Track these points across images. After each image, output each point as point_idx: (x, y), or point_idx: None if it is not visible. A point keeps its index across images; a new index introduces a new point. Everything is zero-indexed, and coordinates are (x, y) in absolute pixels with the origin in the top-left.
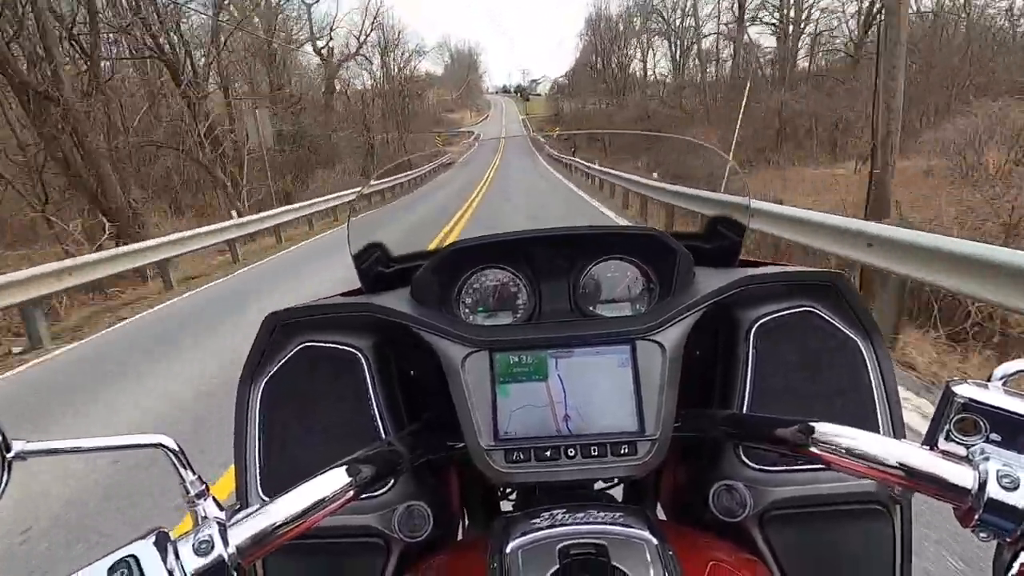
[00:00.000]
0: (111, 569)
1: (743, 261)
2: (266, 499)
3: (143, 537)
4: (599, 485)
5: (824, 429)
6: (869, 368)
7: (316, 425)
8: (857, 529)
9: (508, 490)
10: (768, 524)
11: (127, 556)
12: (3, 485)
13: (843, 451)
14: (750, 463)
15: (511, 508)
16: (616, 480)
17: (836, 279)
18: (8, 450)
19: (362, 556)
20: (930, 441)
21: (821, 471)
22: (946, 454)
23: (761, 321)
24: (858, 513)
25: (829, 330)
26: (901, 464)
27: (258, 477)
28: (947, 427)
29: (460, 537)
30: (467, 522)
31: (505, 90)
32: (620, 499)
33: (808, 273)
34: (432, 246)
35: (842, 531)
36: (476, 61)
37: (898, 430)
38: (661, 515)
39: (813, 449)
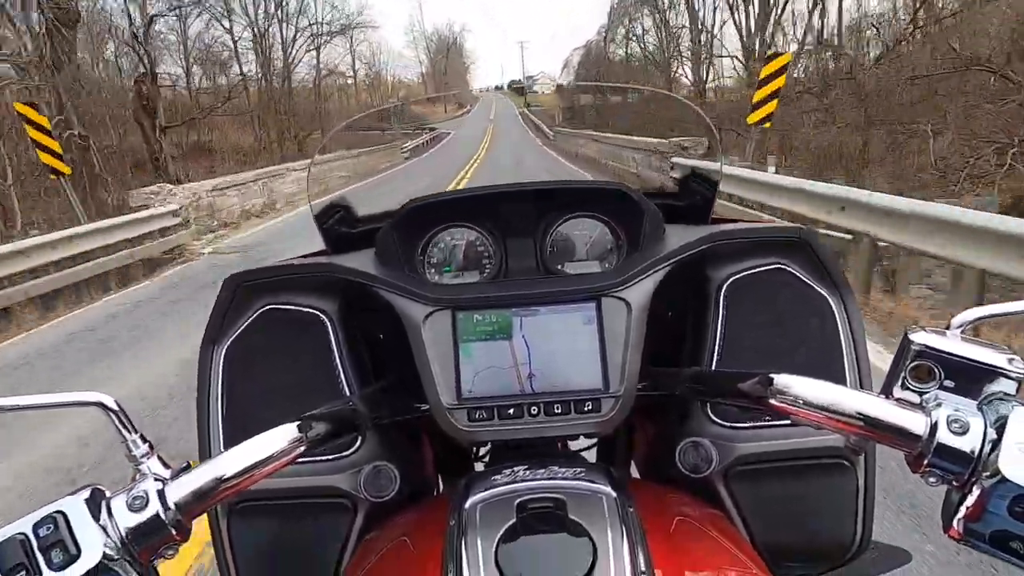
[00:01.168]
0: (36, 525)
1: (715, 219)
2: None
3: (74, 493)
4: (574, 445)
5: (782, 380)
6: (839, 322)
7: (280, 387)
8: (820, 483)
9: (481, 452)
10: (733, 479)
11: (55, 512)
12: None
13: (801, 402)
14: (717, 420)
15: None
16: (584, 438)
17: (805, 234)
18: None
19: (328, 516)
20: (887, 389)
21: (786, 427)
22: (900, 401)
23: (732, 279)
24: (822, 467)
25: (799, 286)
26: (857, 412)
27: (221, 439)
28: (903, 374)
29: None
30: (442, 485)
31: (498, 88)
32: (594, 459)
33: (778, 229)
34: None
35: (806, 485)
36: (459, 44)
37: (865, 383)
38: (635, 473)
39: (772, 401)
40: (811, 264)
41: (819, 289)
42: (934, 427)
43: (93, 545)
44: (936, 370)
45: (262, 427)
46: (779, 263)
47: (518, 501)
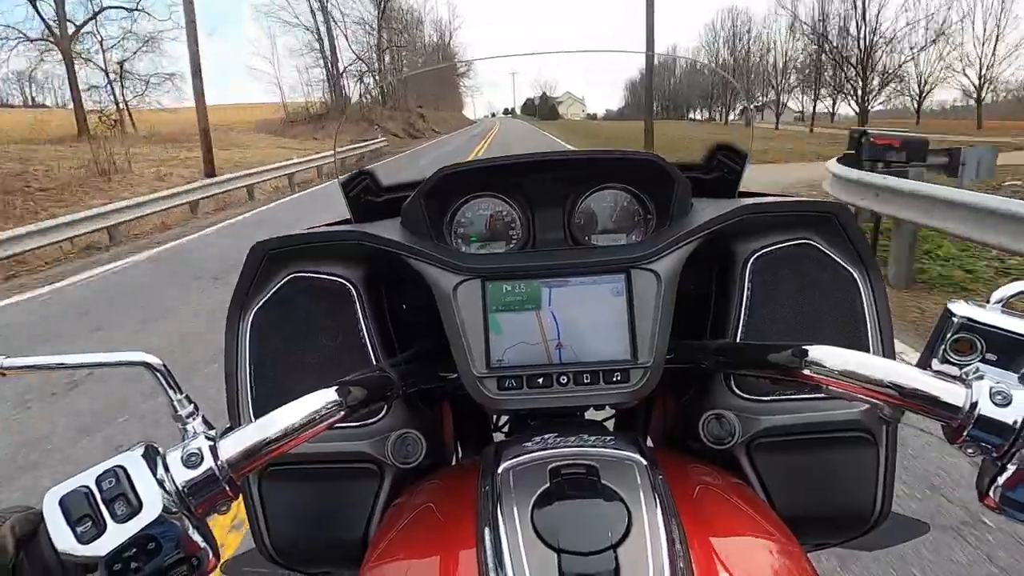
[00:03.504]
0: (99, 478)
1: (743, 192)
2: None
3: (131, 449)
4: (591, 415)
5: (817, 351)
6: (864, 300)
7: (307, 354)
8: (842, 456)
9: (500, 421)
10: (756, 451)
11: (116, 466)
12: None
13: (836, 373)
14: (740, 393)
15: (503, 438)
16: (608, 409)
17: (838, 210)
18: None
19: (356, 481)
20: (924, 362)
21: (809, 400)
22: (939, 374)
23: (759, 253)
24: (844, 440)
25: (826, 262)
26: (893, 384)
27: (249, 402)
28: (943, 348)
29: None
30: (460, 453)
31: (508, 111)
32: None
33: (809, 203)
34: None
35: (828, 457)
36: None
37: (889, 357)
38: (651, 444)
39: (806, 372)
40: (839, 240)
41: (846, 266)
42: (976, 400)
43: (153, 499)
44: (977, 343)
45: (289, 392)
46: (806, 238)
47: (551, 467)
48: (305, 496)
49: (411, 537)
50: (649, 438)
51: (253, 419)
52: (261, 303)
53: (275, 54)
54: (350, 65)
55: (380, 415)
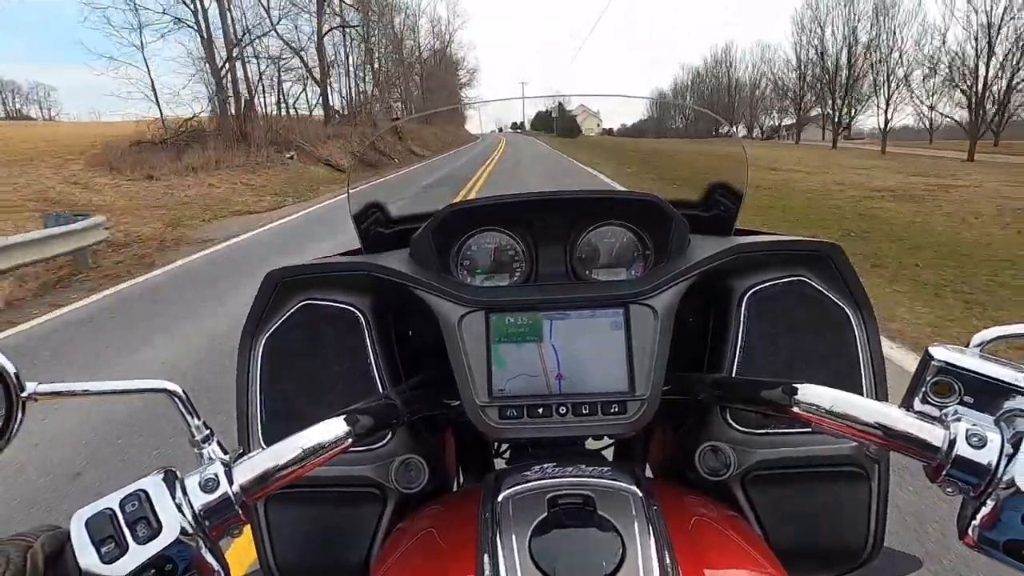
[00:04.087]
0: (123, 501)
1: (739, 230)
2: (265, 447)
3: (152, 473)
4: (591, 445)
5: (806, 390)
6: (857, 337)
7: (316, 379)
8: (835, 489)
9: (502, 448)
10: (751, 483)
11: (138, 490)
12: (17, 423)
13: (824, 411)
14: (736, 426)
15: (505, 465)
16: (606, 439)
17: (829, 250)
18: (23, 390)
19: (360, 505)
20: (907, 403)
21: (804, 435)
22: (920, 415)
23: (754, 289)
24: (837, 475)
25: (820, 299)
26: (878, 423)
27: (260, 427)
28: (924, 389)
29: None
30: (462, 479)
31: (516, 126)
32: (610, 459)
33: (802, 243)
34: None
35: (821, 491)
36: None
37: (881, 396)
38: (649, 474)
39: (795, 409)
40: (832, 278)
41: (839, 303)
42: (953, 440)
43: (172, 522)
44: (956, 386)
45: (298, 416)
46: (801, 276)
47: (549, 496)
48: (309, 519)
49: (412, 562)
50: (648, 468)
51: (263, 442)
52: (273, 329)
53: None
54: (243, 43)
55: (384, 440)
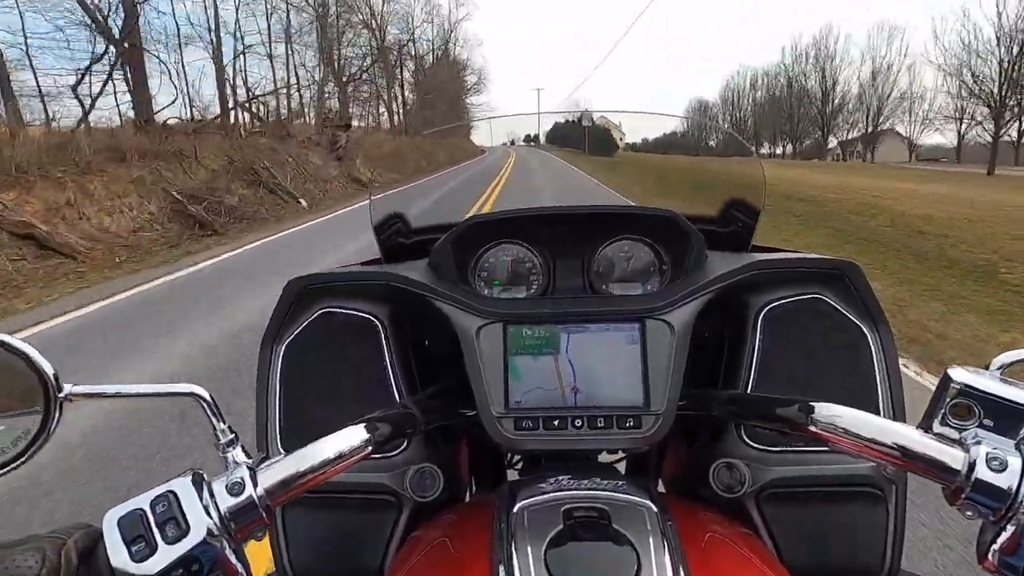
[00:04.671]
0: (153, 502)
1: (755, 246)
2: (283, 453)
3: (181, 475)
4: (604, 458)
5: (824, 408)
6: (874, 356)
7: (334, 386)
8: (852, 509)
9: (515, 459)
10: (765, 501)
11: (167, 491)
12: (55, 423)
13: (841, 430)
14: (751, 443)
15: (517, 476)
16: (620, 453)
17: (847, 267)
18: (60, 391)
19: (375, 512)
20: (926, 424)
21: (819, 453)
22: (940, 437)
23: (770, 306)
24: (853, 495)
25: (837, 318)
26: (896, 444)
27: (278, 433)
28: (943, 411)
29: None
30: (475, 488)
31: (530, 139)
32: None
33: (819, 261)
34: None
35: (837, 511)
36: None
37: (899, 416)
38: (661, 489)
39: (813, 427)
40: (849, 296)
41: (856, 321)
42: (972, 463)
43: (199, 523)
44: (976, 408)
45: (316, 423)
46: (817, 293)
47: (564, 508)
48: (326, 524)
49: (427, 571)
50: (661, 482)
51: (281, 448)
52: (292, 336)
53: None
54: None
55: (400, 449)
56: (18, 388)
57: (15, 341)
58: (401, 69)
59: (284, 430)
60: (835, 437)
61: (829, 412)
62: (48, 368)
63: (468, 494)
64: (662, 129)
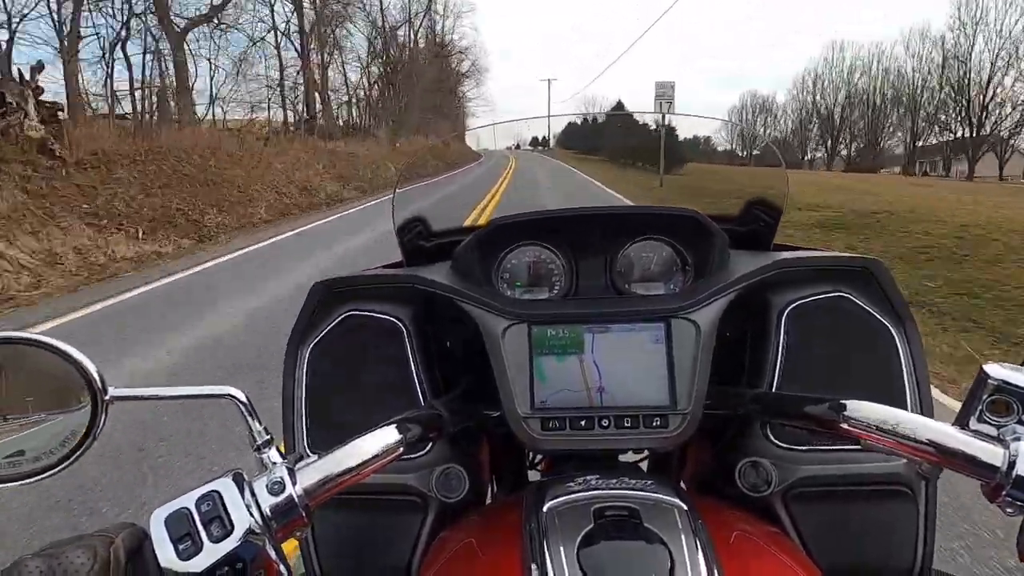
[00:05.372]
0: (198, 501)
1: (777, 245)
2: (310, 454)
3: (223, 475)
4: (626, 458)
5: (856, 406)
6: (900, 353)
7: (359, 388)
8: (881, 509)
9: (536, 459)
10: (793, 500)
11: (211, 491)
12: (101, 424)
13: (874, 429)
14: (777, 441)
15: (539, 476)
16: (645, 453)
17: (871, 265)
18: (105, 393)
19: (402, 513)
20: (962, 421)
21: (848, 451)
22: (977, 433)
23: (794, 305)
24: (883, 493)
25: (861, 315)
26: (931, 441)
27: (304, 434)
28: (980, 408)
29: (489, 502)
30: (496, 488)
31: (539, 142)
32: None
33: (842, 259)
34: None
35: (866, 509)
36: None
37: (927, 414)
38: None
39: (844, 426)
40: (874, 294)
41: (881, 319)
42: (1013, 459)
43: (242, 522)
44: (1014, 405)
45: (343, 426)
46: (841, 291)
47: (594, 508)
48: (353, 525)
49: (457, 572)
50: (682, 482)
51: (308, 449)
52: (318, 339)
53: None
54: None
55: (425, 450)
56: (59, 389)
57: (62, 344)
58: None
59: (311, 432)
60: (868, 435)
61: (861, 410)
62: (94, 370)
63: (489, 495)
64: (691, 134)
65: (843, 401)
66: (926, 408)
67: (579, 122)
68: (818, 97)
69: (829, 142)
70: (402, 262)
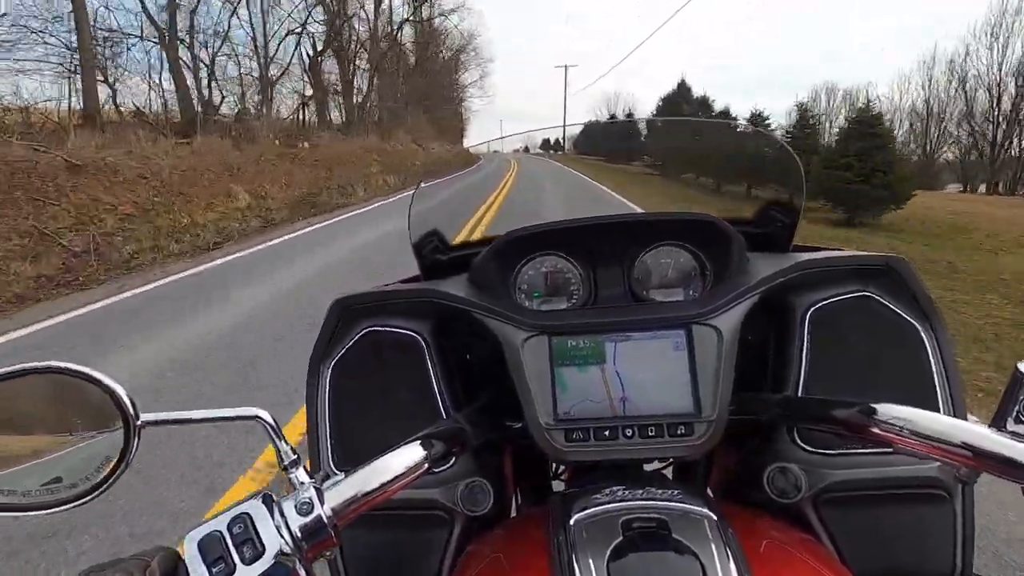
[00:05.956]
0: (230, 524)
1: (796, 246)
2: (336, 472)
3: (252, 497)
4: (650, 466)
5: (886, 409)
6: (929, 352)
7: (382, 405)
8: (916, 512)
9: (559, 470)
10: (824, 506)
11: (242, 513)
12: (134, 449)
13: (907, 432)
14: (805, 446)
15: (562, 487)
16: (669, 461)
17: (895, 262)
18: (137, 419)
19: (428, 528)
20: (998, 423)
21: (879, 455)
22: (1014, 435)
23: (816, 306)
24: (918, 497)
25: (887, 314)
26: (967, 444)
27: (329, 450)
28: (1016, 408)
29: (513, 514)
30: (519, 500)
31: (551, 144)
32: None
33: (864, 257)
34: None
35: (901, 514)
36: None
37: (959, 413)
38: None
39: (875, 430)
40: (899, 292)
41: (908, 318)
42: None
43: (273, 543)
44: None
45: (369, 443)
46: (865, 291)
47: (622, 519)
48: (380, 542)
49: None
50: (709, 489)
51: (333, 467)
52: (339, 356)
53: None
54: None
55: (450, 463)
56: (92, 415)
57: (95, 372)
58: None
59: (335, 449)
60: (901, 439)
61: (894, 413)
62: (126, 397)
63: (513, 507)
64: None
65: (873, 405)
66: (958, 409)
67: (599, 122)
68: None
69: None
70: (419, 276)
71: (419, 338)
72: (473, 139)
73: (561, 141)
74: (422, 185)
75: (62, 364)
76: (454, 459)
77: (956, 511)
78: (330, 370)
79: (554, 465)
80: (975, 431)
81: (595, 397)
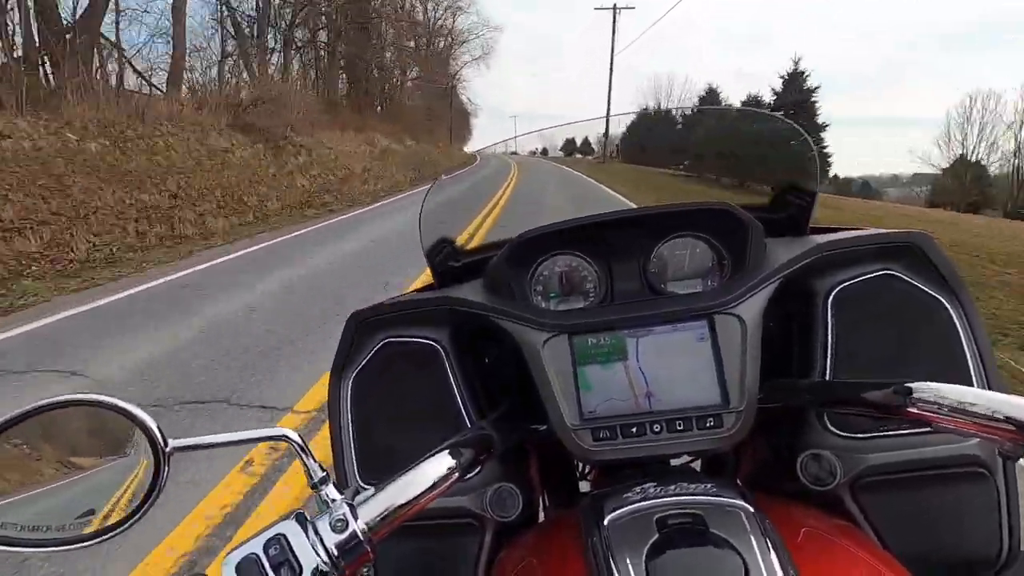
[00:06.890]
0: (265, 545)
1: (814, 228)
2: (364, 485)
3: (286, 518)
4: (676, 462)
5: (923, 387)
6: (959, 327)
7: (404, 415)
8: (958, 492)
9: (586, 470)
10: (861, 491)
11: (277, 534)
12: (165, 476)
13: (946, 410)
14: (837, 431)
15: (589, 488)
16: (697, 455)
17: (917, 239)
18: (166, 446)
19: (459, 536)
20: None
21: (915, 435)
22: None
23: (839, 288)
24: (958, 476)
25: (912, 292)
26: (1010, 418)
27: (355, 463)
28: None
29: (541, 518)
30: (547, 503)
31: (575, 148)
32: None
33: (886, 235)
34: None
35: (942, 494)
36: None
37: (994, 388)
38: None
39: (912, 409)
40: (923, 268)
41: (934, 294)
42: None
43: (310, 563)
44: None
45: (394, 455)
46: (888, 269)
47: (657, 517)
48: (412, 553)
49: None
50: (739, 481)
51: (360, 480)
52: (358, 369)
53: None
54: None
55: (477, 469)
56: (120, 445)
57: (123, 403)
58: None
59: (360, 462)
60: (939, 417)
61: (931, 391)
62: (154, 426)
63: (541, 510)
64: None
65: (908, 384)
66: (993, 382)
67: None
68: None
69: None
70: (433, 285)
71: (437, 346)
72: (480, 141)
73: (603, 135)
74: (434, 190)
75: (85, 396)
76: (481, 466)
77: (999, 488)
78: (351, 383)
79: (580, 465)
80: (1018, 404)
81: (620, 394)
